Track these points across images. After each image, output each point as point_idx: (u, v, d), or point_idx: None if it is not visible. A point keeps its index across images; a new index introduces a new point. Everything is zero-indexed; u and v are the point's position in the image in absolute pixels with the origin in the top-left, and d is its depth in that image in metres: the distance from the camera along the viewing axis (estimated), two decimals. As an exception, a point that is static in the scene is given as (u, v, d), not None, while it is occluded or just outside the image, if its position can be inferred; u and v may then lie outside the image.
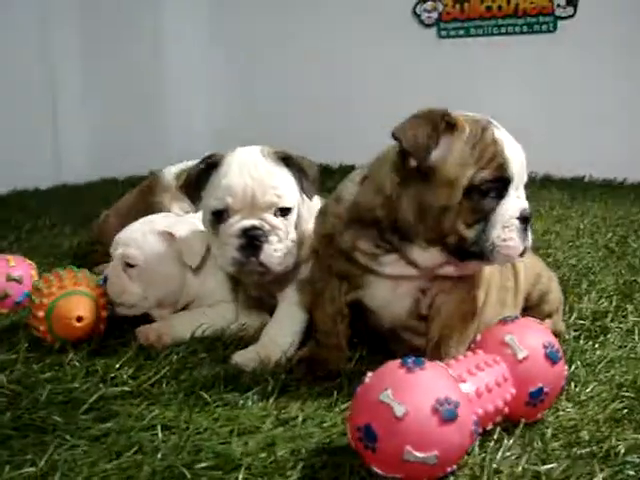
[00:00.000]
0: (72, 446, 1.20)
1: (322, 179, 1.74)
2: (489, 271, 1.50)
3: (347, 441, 1.15)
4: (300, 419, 1.30)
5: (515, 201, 1.33)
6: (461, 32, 5.14)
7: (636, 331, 1.70)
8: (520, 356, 1.24)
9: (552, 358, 1.26)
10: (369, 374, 1.11)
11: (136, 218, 1.88)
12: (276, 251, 1.59)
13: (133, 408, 1.35)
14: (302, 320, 1.68)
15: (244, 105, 5.65)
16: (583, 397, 1.37)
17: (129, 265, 1.77)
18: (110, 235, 1.94)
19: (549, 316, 1.66)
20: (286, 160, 1.67)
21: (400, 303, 1.49)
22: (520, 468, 1.10)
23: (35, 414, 1.31)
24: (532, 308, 1.65)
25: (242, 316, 1.85)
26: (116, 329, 1.77)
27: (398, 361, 1.10)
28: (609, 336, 1.68)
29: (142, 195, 2.43)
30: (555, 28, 4.79)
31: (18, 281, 1.99)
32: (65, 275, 1.69)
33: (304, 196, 1.68)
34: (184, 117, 5.51)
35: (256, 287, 1.82)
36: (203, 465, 1.11)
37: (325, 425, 1.27)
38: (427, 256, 1.37)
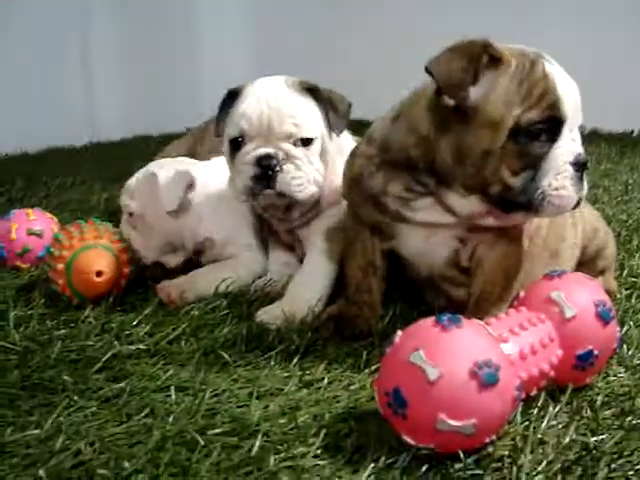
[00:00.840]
0: (80, 407, 1.12)
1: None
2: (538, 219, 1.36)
3: (375, 406, 1.05)
4: (325, 381, 1.20)
5: (569, 144, 1.18)
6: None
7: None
8: (568, 314, 1.11)
9: (604, 317, 1.13)
10: (399, 332, 1.00)
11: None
12: (294, 179, 1.50)
13: (148, 368, 1.27)
14: (331, 272, 1.58)
15: (274, 56, 5.51)
16: (637, 361, 1.25)
17: (130, 214, 1.73)
18: None
19: (601, 273, 1.53)
20: (312, 91, 1.56)
21: (437, 252, 1.37)
22: (567, 439, 0.99)
23: (45, 373, 1.24)
24: (586, 263, 1.51)
25: (271, 266, 1.76)
26: (139, 286, 1.69)
27: (432, 318, 0.98)
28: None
29: (194, 143, 2.37)
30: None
31: (39, 235, 1.91)
32: (87, 228, 1.60)
33: (332, 132, 1.57)
34: (216, 73, 5.39)
35: (285, 232, 1.72)
36: (217, 431, 1.03)
37: (352, 388, 1.18)
38: (466, 204, 1.24)
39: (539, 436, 1.00)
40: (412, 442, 0.95)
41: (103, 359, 1.28)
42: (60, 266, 1.56)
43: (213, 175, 1.81)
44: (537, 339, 1.07)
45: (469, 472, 0.93)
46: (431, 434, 0.92)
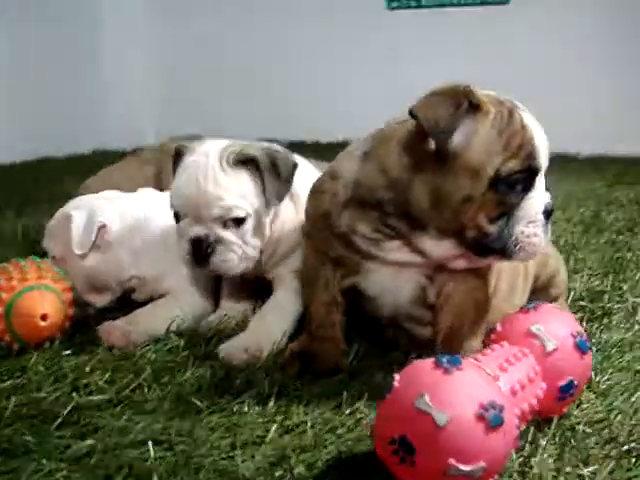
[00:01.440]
0: (50, 471, 1.02)
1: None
2: None
3: (365, 450, 1.03)
4: (308, 425, 1.16)
5: (541, 193, 1.21)
6: (412, 3, 5.04)
7: (638, 314, 1.64)
8: (549, 348, 1.13)
9: (581, 348, 1.16)
10: (396, 376, 0.98)
11: (138, 186, 1.85)
12: (224, 261, 1.53)
13: (114, 420, 1.18)
14: (297, 310, 1.56)
15: (182, 77, 5.48)
16: (603, 386, 1.29)
17: (53, 257, 1.67)
18: None
19: (555, 300, 1.57)
20: (248, 162, 1.53)
21: (403, 290, 1.37)
22: (563, 473, 1.00)
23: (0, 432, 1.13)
24: (539, 291, 1.56)
25: (224, 302, 1.71)
26: (81, 326, 1.59)
27: (430, 360, 0.97)
28: (613, 318, 1.61)
29: (161, 161, 2.26)
30: (508, 0, 4.75)
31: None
32: (27, 267, 1.48)
33: (269, 204, 1.56)
34: (121, 95, 5.27)
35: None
36: (209, 488, 0.97)
37: (339, 432, 1.14)
38: (439, 247, 1.24)
39: (535, 471, 1.01)
40: (418, 489, 0.93)
41: (64, 412, 1.18)
42: (-1, 309, 1.44)
43: (141, 208, 1.74)
44: (524, 374, 1.08)
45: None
46: (440, 480, 0.91)
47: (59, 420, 1.17)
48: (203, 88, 5.47)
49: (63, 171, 4.15)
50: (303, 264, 1.51)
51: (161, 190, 2.10)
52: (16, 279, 1.46)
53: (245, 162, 1.53)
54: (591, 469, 1.02)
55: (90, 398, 1.24)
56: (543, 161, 1.21)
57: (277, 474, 1.01)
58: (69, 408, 1.20)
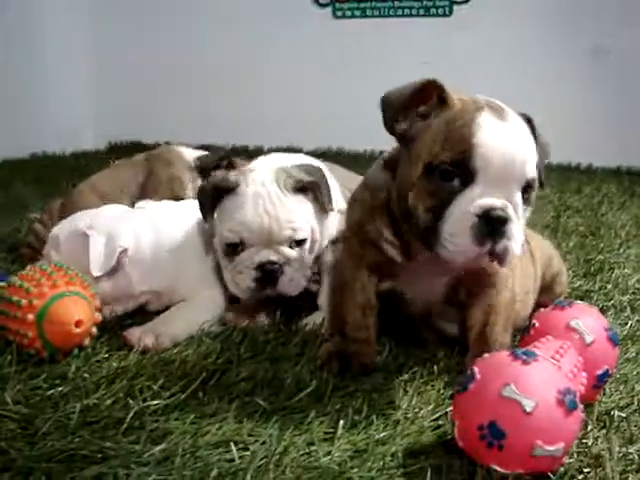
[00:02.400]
0: (139, 475, 1.04)
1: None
2: (515, 262, 1.48)
3: (434, 440, 1.11)
4: (372, 420, 1.22)
5: (482, 198, 1.17)
6: (357, 13, 5.17)
7: (628, 309, 1.79)
8: (588, 340, 1.26)
9: (613, 340, 1.29)
10: (476, 369, 1.06)
11: (132, 192, 1.74)
12: (292, 280, 1.63)
13: (180, 424, 1.20)
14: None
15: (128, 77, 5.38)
16: (618, 375, 1.41)
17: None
18: None
19: (558, 297, 1.70)
20: (302, 187, 1.63)
21: (436, 289, 1.45)
22: (614, 452, 1.11)
23: (63, 440, 1.11)
24: (544, 289, 1.68)
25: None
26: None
27: (506, 353, 1.07)
28: (606, 315, 1.74)
29: (150, 166, 2.23)
30: (451, 12, 4.96)
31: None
32: (56, 273, 1.47)
33: (325, 215, 1.69)
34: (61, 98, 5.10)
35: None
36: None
37: (400, 426, 1.20)
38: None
39: (594, 451, 1.11)
40: (502, 470, 1.02)
41: (127, 418, 1.19)
42: (30, 316, 1.41)
43: (150, 225, 1.75)
44: (573, 364, 1.19)
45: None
46: (526, 460, 1.00)
47: (124, 426, 1.18)
48: (140, 89, 5.38)
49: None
50: (337, 269, 1.57)
51: (145, 196, 2.11)
52: (46, 286, 1.44)
53: (302, 188, 1.62)
54: (637, 447, 1.14)
55: (149, 403, 1.25)
56: (490, 167, 1.16)
57: (368, 464, 1.07)
58: (132, 413, 1.20)
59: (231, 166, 2.02)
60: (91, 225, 1.67)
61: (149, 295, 1.74)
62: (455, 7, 4.96)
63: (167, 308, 1.71)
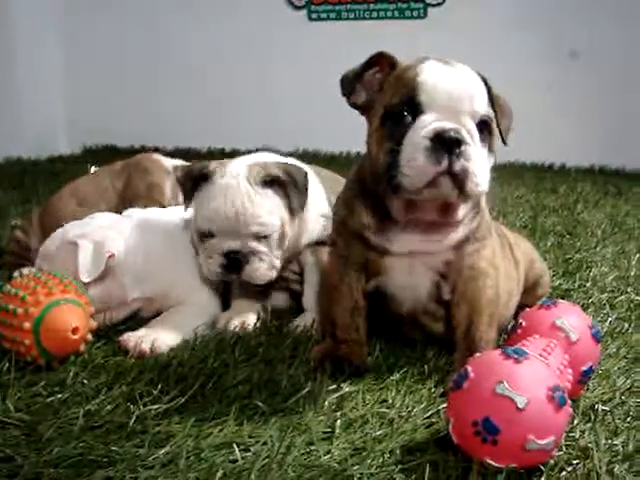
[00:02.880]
0: (147, 478, 1.06)
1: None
2: (498, 263, 1.54)
3: (428, 437, 1.15)
4: (368, 419, 1.26)
5: (433, 123, 1.25)
6: (332, 15, 5.21)
7: (607, 307, 1.86)
8: (573, 338, 1.31)
9: (597, 337, 1.35)
10: (469, 368, 1.11)
11: (110, 199, 1.77)
12: (257, 270, 1.68)
13: (181, 427, 1.22)
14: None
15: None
16: (600, 371, 1.47)
17: None
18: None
19: (540, 298, 1.75)
20: (271, 181, 1.67)
21: (420, 286, 1.50)
22: (600, 444, 1.17)
23: (68, 445, 1.14)
24: (527, 291, 1.73)
25: (234, 303, 1.81)
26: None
27: (498, 352, 1.12)
28: (586, 313, 1.81)
29: (128, 173, 2.25)
30: (425, 15, 5.02)
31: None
32: (50, 281, 1.48)
33: (294, 214, 1.71)
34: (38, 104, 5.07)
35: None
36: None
37: (395, 424, 1.25)
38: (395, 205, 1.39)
39: (581, 444, 1.17)
40: (496, 464, 1.06)
41: (130, 423, 1.22)
42: (27, 325, 1.43)
43: (140, 230, 1.78)
44: (559, 361, 1.24)
45: None
46: (519, 455, 1.05)
47: (127, 430, 1.20)
48: (113, 92, 5.37)
49: None
50: (325, 272, 1.61)
51: (124, 204, 2.13)
52: (42, 293, 1.46)
53: (271, 182, 1.65)
54: (622, 439, 1.19)
55: (149, 407, 1.28)
56: (435, 97, 1.26)
57: (367, 462, 1.11)
58: (134, 418, 1.23)
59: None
60: (81, 234, 1.69)
61: (141, 302, 1.76)
62: (429, 9, 5.03)
63: (159, 314, 1.73)
